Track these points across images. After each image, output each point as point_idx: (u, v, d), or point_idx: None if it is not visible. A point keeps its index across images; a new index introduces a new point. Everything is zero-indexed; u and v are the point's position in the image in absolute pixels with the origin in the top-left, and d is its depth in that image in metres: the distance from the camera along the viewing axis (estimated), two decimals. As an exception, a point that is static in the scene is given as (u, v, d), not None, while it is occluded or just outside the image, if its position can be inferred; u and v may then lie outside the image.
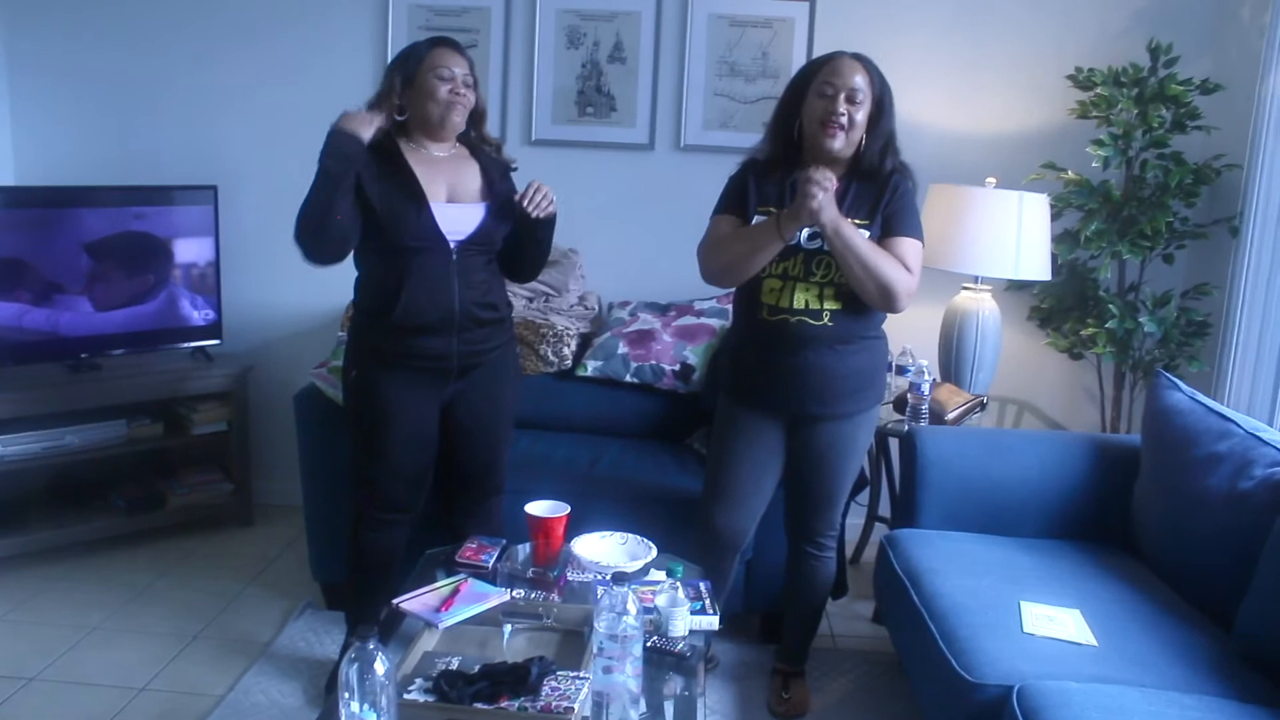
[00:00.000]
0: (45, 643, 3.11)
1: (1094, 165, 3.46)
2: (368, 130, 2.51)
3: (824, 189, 2.39)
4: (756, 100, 3.89)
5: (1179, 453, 2.66)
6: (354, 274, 2.72)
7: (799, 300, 2.55)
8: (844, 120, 2.51)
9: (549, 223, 2.71)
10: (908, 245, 2.58)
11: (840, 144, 2.54)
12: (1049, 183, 3.59)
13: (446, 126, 2.64)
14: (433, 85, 2.59)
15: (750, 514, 2.78)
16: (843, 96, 2.51)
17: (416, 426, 2.71)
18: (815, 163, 2.59)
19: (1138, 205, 3.48)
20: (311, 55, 4.01)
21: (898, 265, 2.52)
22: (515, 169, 2.85)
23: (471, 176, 2.71)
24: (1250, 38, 3.48)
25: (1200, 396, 2.80)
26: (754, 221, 2.60)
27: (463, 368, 2.70)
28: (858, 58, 2.57)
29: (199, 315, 3.92)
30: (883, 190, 2.58)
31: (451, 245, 2.61)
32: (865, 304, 2.56)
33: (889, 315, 2.66)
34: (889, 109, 2.58)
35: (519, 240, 2.75)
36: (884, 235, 2.57)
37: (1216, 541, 2.47)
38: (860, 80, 2.52)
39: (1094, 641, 2.28)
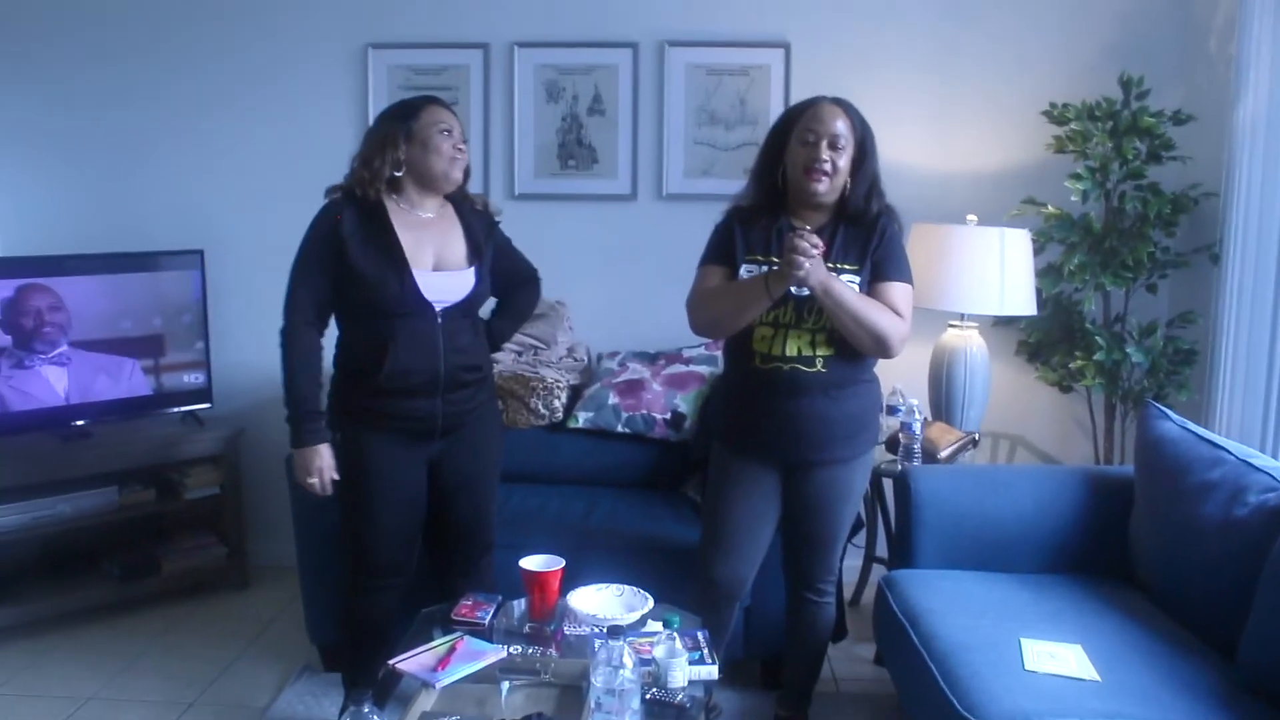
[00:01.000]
0: (40, 716, 3.07)
1: (1073, 199, 3.50)
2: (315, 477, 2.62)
3: (810, 256, 2.40)
4: (737, 147, 3.93)
5: (1172, 482, 2.66)
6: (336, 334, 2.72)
7: (791, 348, 2.55)
8: (827, 167, 2.53)
9: None
10: (898, 290, 2.59)
11: (825, 189, 2.55)
12: (1030, 218, 3.62)
13: (449, 182, 2.66)
14: (437, 141, 2.61)
15: (749, 562, 2.76)
16: (825, 143, 2.52)
17: (404, 487, 2.70)
18: (800, 208, 2.62)
19: (1119, 237, 3.50)
20: (292, 114, 4.04)
21: (889, 313, 2.54)
22: (500, 220, 2.87)
23: (457, 240, 2.72)
24: (1218, 68, 3.53)
25: (1191, 425, 2.80)
26: (741, 270, 2.60)
27: (447, 427, 2.69)
28: (838, 102, 2.59)
29: (189, 380, 3.91)
30: (870, 234, 2.59)
31: (437, 310, 2.61)
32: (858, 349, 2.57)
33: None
34: (872, 152, 2.60)
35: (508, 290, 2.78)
36: (874, 280, 2.58)
37: (1214, 570, 2.46)
38: (842, 126, 2.54)
39: (1097, 676, 2.26)
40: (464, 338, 2.67)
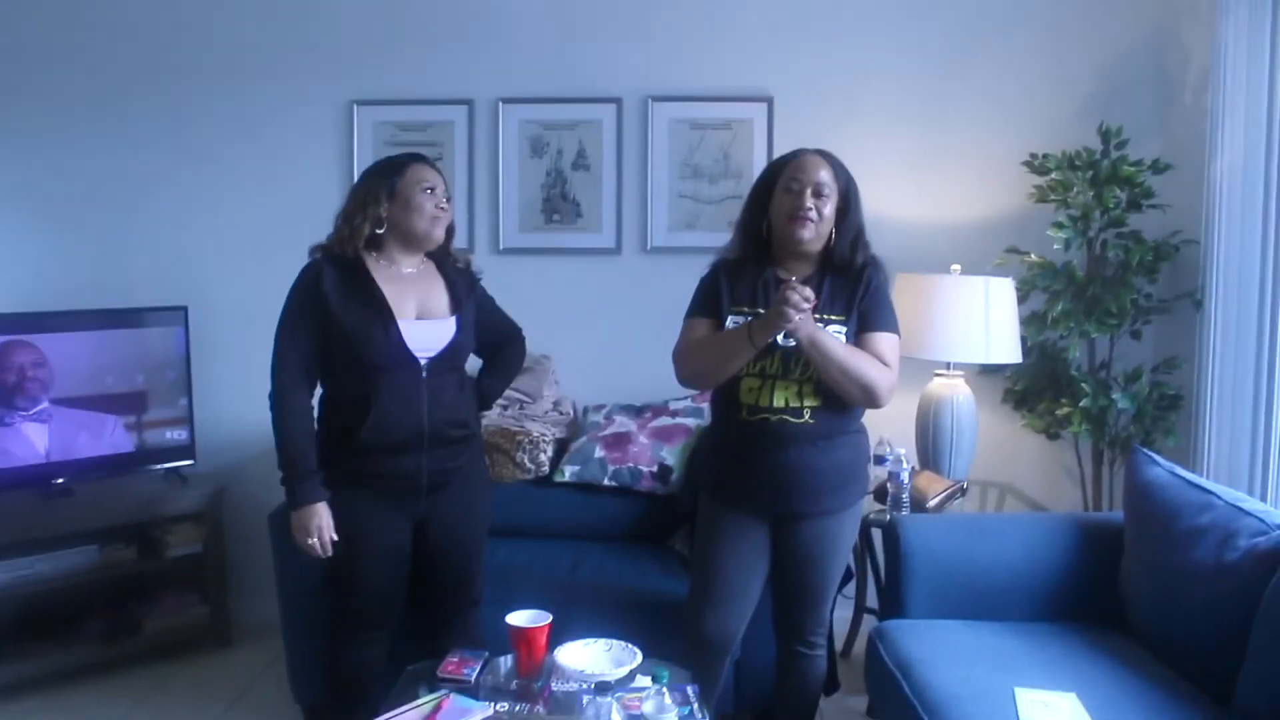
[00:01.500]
0: (16, 783, 3.01)
1: (1056, 247, 3.52)
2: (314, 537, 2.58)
3: (802, 310, 2.40)
4: (721, 200, 3.96)
5: (1162, 528, 2.65)
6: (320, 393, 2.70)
7: (779, 399, 2.54)
8: (812, 214, 2.54)
9: None
10: (885, 341, 2.59)
11: (810, 235, 2.56)
12: (1013, 266, 3.65)
13: (430, 240, 2.66)
14: (420, 200, 2.61)
15: (739, 616, 2.73)
16: (809, 191, 2.55)
17: (389, 546, 2.66)
18: (785, 258, 2.63)
19: (1101, 284, 3.53)
20: (277, 170, 4.06)
21: (876, 364, 2.54)
22: (481, 278, 2.87)
23: (439, 292, 2.72)
24: (1194, 119, 3.58)
25: (1179, 470, 2.80)
26: (728, 322, 2.60)
27: (433, 485, 2.67)
28: (821, 153, 2.62)
29: (171, 436, 3.88)
30: (856, 284, 2.60)
31: (422, 363, 2.60)
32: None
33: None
34: (856, 203, 2.62)
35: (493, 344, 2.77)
36: (860, 331, 2.59)
37: (1207, 615, 2.44)
38: (825, 175, 2.57)
39: (1091, 726, 2.24)
40: (449, 394, 2.66)
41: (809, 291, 2.42)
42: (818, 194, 2.55)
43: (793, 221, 2.56)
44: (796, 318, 2.39)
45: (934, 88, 3.91)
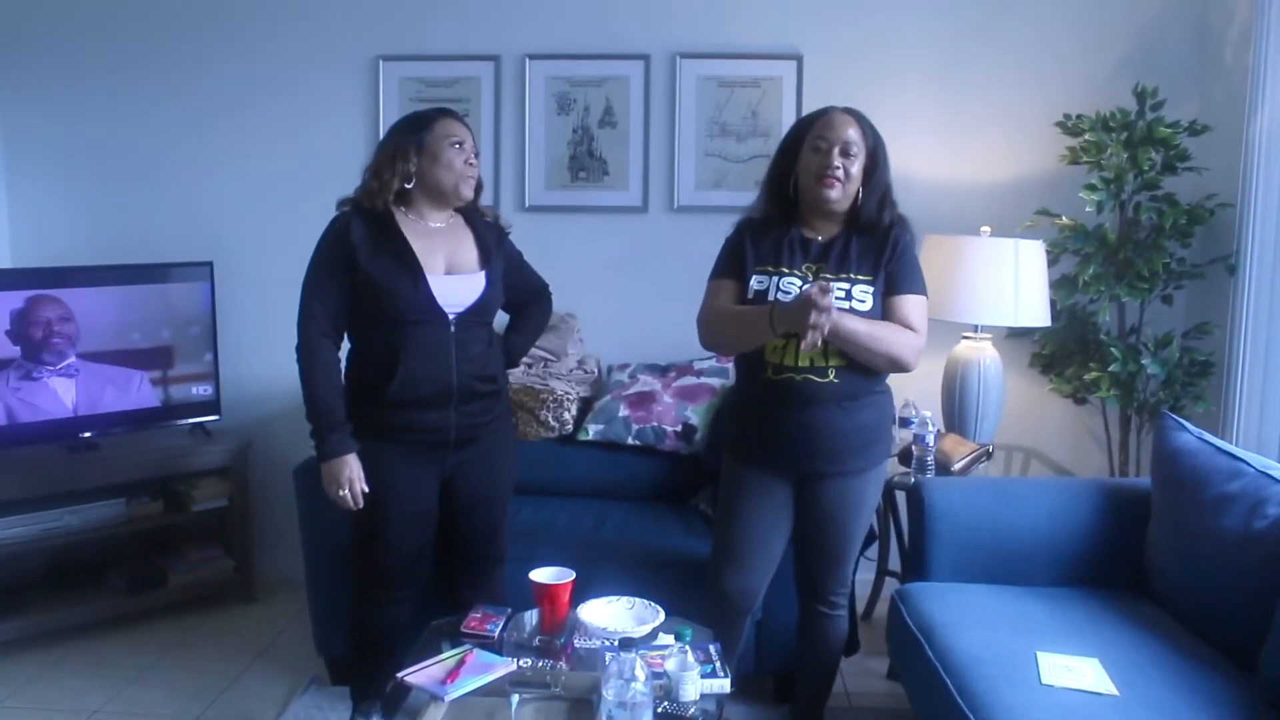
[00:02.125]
0: (45, 730, 3.06)
1: (1087, 210, 3.47)
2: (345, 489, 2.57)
3: (827, 318, 2.36)
4: (748, 159, 3.92)
5: (1190, 494, 2.63)
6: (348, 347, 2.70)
7: (804, 358, 2.52)
8: (839, 173, 2.52)
9: None
10: (912, 303, 2.58)
11: (838, 195, 2.54)
12: (1044, 229, 3.60)
13: (459, 197, 2.65)
14: (450, 155, 2.60)
15: (760, 576, 2.73)
16: (837, 150, 2.52)
17: (417, 501, 2.67)
18: (811, 218, 2.61)
19: (1133, 248, 3.48)
20: (302, 126, 4.05)
21: (901, 331, 2.53)
22: (510, 233, 2.86)
23: (468, 246, 2.71)
24: (1234, 79, 3.51)
25: (1208, 436, 2.77)
26: (752, 281, 2.59)
27: (460, 440, 2.67)
28: (849, 112, 2.59)
29: (197, 392, 3.90)
30: (883, 245, 2.58)
31: (450, 317, 2.60)
32: None
33: None
34: (883, 161, 2.59)
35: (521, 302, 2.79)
36: (888, 294, 2.57)
37: (1234, 582, 2.43)
38: (854, 134, 2.54)
39: (1115, 690, 2.23)
40: (477, 348, 2.65)
41: (828, 296, 2.36)
42: (845, 153, 2.53)
43: (820, 181, 2.53)
44: (823, 321, 2.35)
45: (965, 47, 3.85)
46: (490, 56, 3.97)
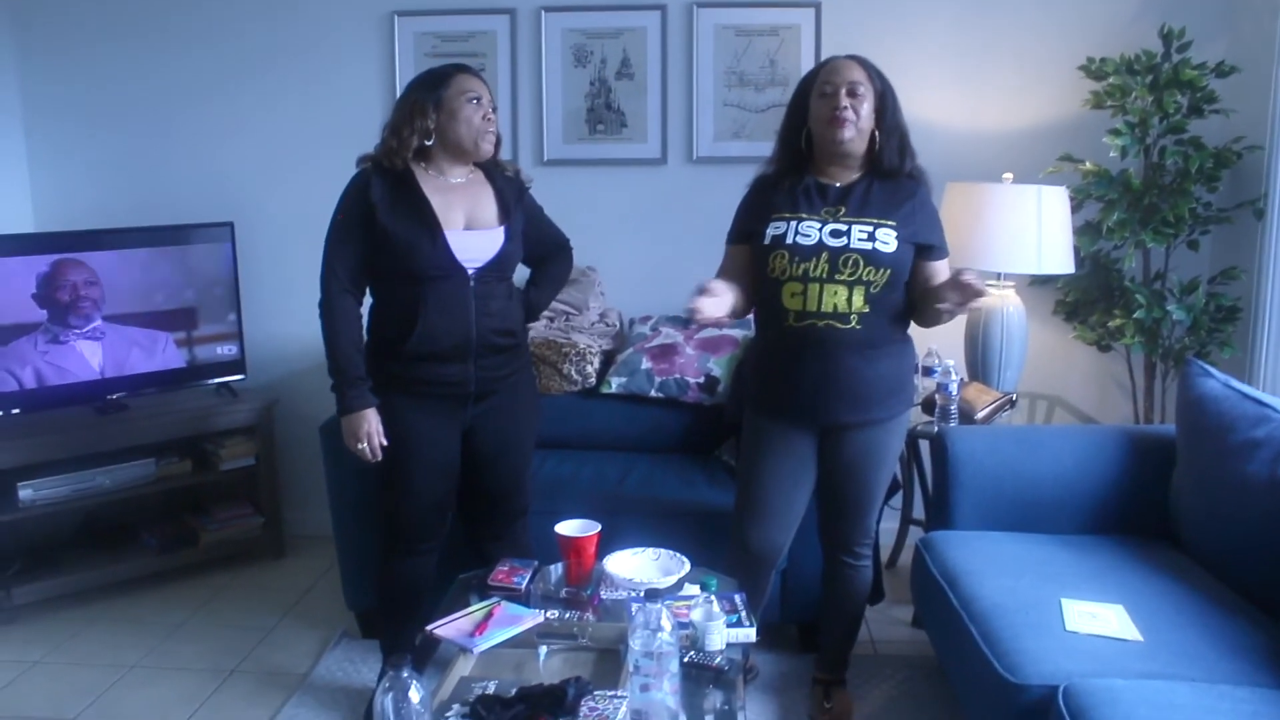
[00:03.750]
0: (84, 684, 3.11)
1: (1111, 155, 3.43)
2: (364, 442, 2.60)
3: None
4: (767, 109, 3.88)
5: (1216, 440, 2.62)
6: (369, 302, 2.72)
7: (826, 303, 2.50)
8: (849, 114, 2.51)
9: None
10: (946, 265, 2.62)
11: (850, 134, 2.52)
12: (1067, 175, 3.56)
13: (478, 153, 2.65)
14: (468, 111, 2.60)
15: (784, 528, 2.74)
16: (844, 91, 2.52)
17: (438, 454, 2.70)
18: (828, 165, 2.60)
19: (1159, 193, 3.44)
20: (319, 83, 4.03)
21: None
22: (530, 187, 2.85)
23: (488, 201, 2.71)
24: (1264, 19, 3.44)
25: (1234, 382, 2.75)
26: (769, 228, 2.57)
27: (481, 393, 2.69)
28: (852, 57, 2.59)
29: (222, 352, 3.93)
30: (907, 196, 2.56)
31: (469, 272, 2.60)
32: (893, 306, 2.55)
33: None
34: (894, 105, 2.57)
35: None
36: (925, 259, 2.57)
37: (1261, 529, 2.42)
38: (859, 75, 2.54)
39: (1139, 637, 2.24)
40: (497, 302, 2.66)
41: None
42: (853, 93, 2.52)
43: (831, 124, 2.53)
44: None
45: (987, -10, 3.80)
46: (505, 10, 3.93)
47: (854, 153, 2.57)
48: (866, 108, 2.52)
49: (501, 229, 2.68)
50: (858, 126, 2.52)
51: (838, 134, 2.52)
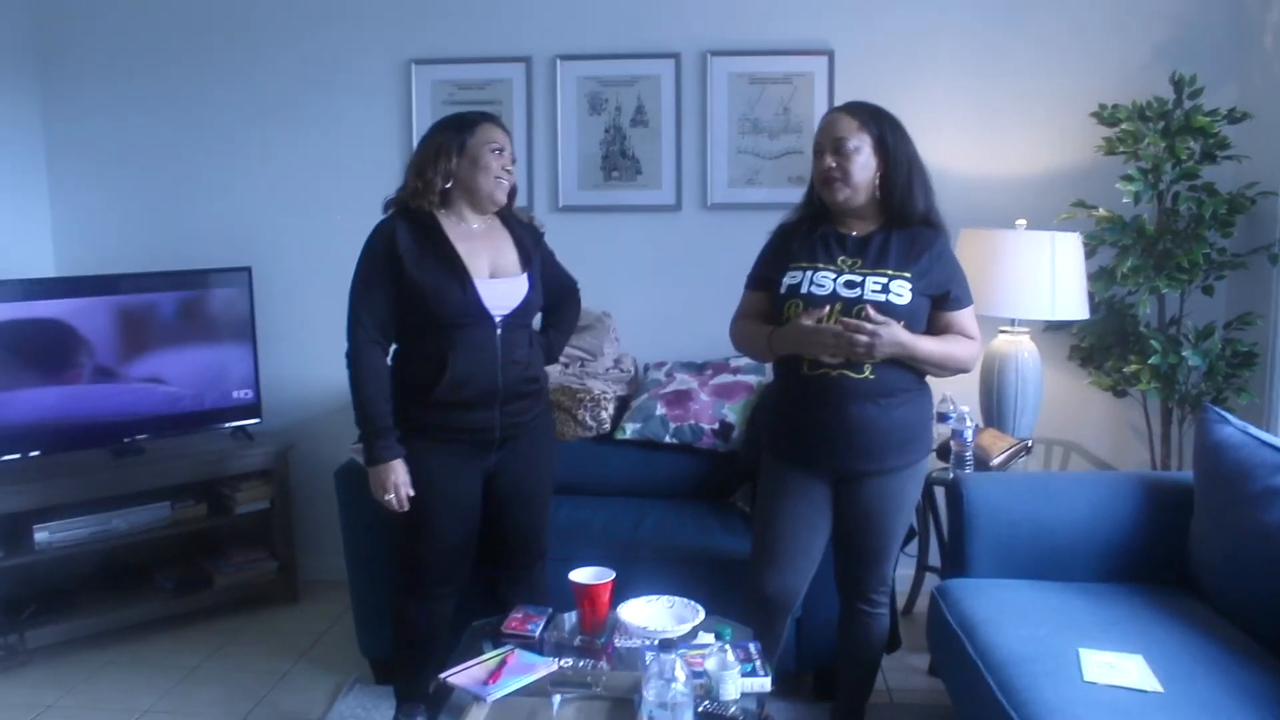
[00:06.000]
0: (97, 730, 3.11)
1: (1125, 201, 3.44)
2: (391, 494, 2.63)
3: (837, 356, 2.46)
4: (780, 155, 3.91)
5: (1234, 488, 2.60)
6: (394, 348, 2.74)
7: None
8: (835, 173, 2.54)
9: None
10: (968, 314, 2.63)
11: (842, 195, 2.55)
12: (1080, 221, 3.57)
13: (493, 201, 2.69)
14: (488, 159, 2.64)
15: (800, 575, 2.72)
16: (828, 151, 2.55)
17: (460, 498, 2.71)
18: (842, 218, 2.61)
19: (1173, 238, 3.44)
20: (335, 130, 4.08)
21: (962, 341, 2.59)
22: (544, 233, 2.88)
23: (509, 248, 2.74)
24: (1274, 65, 3.47)
25: (1252, 429, 2.74)
26: (786, 276, 2.59)
27: (504, 439, 2.71)
28: (846, 107, 2.61)
29: (238, 395, 3.95)
30: (923, 246, 2.56)
31: (496, 320, 2.63)
32: None
33: None
34: (898, 148, 2.56)
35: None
36: (944, 309, 2.58)
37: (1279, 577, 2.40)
38: (845, 129, 2.55)
39: (1159, 688, 2.21)
40: (520, 350, 2.69)
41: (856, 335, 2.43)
42: (838, 150, 2.54)
43: (823, 186, 2.57)
44: (827, 356, 2.47)
45: (998, 38, 3.82)
46: (521, 58, 3.98)
47: (855, 209, 2.58)
48: (860, 160, 2.54)
49: (525, 276, 2.71)
50: (850, 184, 2.54)
51: (827, 197, 2.56)
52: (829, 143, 2.55)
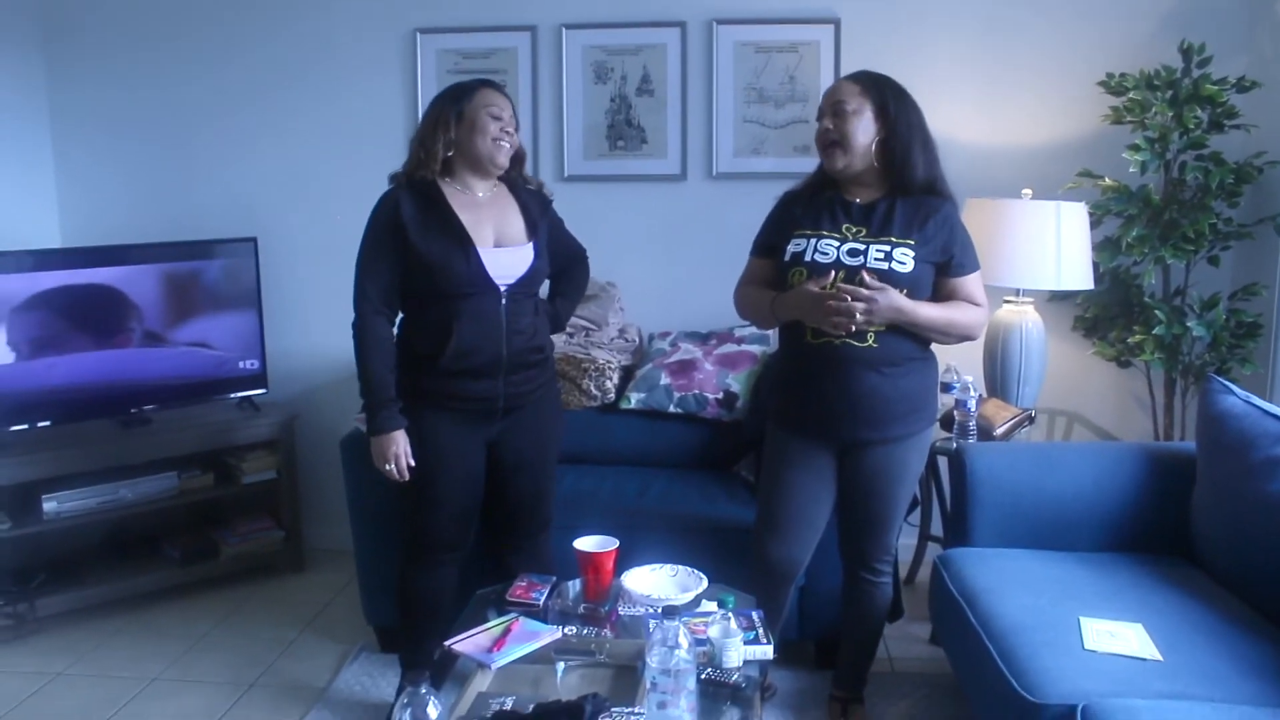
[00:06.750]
0: (107, 695, 3.14)
1: (1131, 170, 3.42)
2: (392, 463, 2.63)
3: (853, 318, 2.43)
4: (786, 125, 3.89)
5: (1237, 458, 2.60)
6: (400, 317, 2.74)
7: None
8: (832, 135, 2.54)
9: None
10: (974, 280, 2.62)
11: (840, 162, 2.55)
12: (1086, 191, 3.56)
13: (494, 164, 2.67)
14: (485, 122, 2.63)
15: (804, 544, 2.74)
16: (827, 115, 2.56)
17: (464, 466, 2.72)
18: (848, 186, 2.60)
19: (1179, 208, 3.43)
20: (341, 100, 4.06)
21: (968, 308, 2.58)
22: (552, 201, 2.88)
23: (514, 217, 2.73)
24: (1284, 33, 3.44)
25: (1255, 399, 2.73)
26: (790, 244, 2.59)
27: (508, 408, 2.72)
28: (851, 75, 2.62)
29: (244, 366, 3.96)
30: (928, 213, 2.55)
31: (501, 289, 2.63)
32: None
33: None
34: (900, 116, 2.54)
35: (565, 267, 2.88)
36: (950, 275, 2.57)
37: (1280, 547, 2.41)
38: (845, 92, 2.55)
39: (1159, 656, 2.22)
40: (525, 319, 2.69)
41: (845, 302, 2.43)
42: (837, 113, 2.54)
43: (821, 151, 2.58)
44: (844, 323, 2.44)
45: (1005, 8, 3.78)
46: (527, 27, 3.96)
47: (857, 175, 2.58)
48: (857, 124, 2.53)
49: (530, 245, 2.71)
50: (847, 149, 2.54)
51: (828, 162, 2.57)
52: (829, 106, 2.56)
